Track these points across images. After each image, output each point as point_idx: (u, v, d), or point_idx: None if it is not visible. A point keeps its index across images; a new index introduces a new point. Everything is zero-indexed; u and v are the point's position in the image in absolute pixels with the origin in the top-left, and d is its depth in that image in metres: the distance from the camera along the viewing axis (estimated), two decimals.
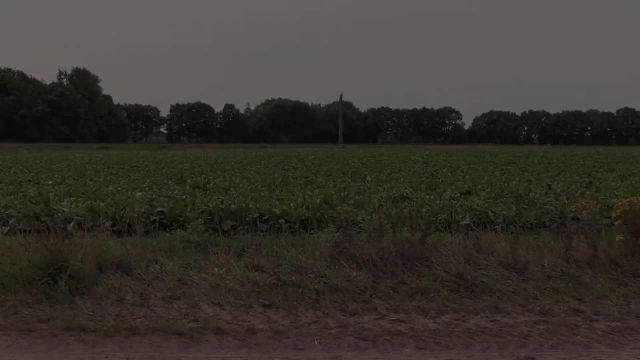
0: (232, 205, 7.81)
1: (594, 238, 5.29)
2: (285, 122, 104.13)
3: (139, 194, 9.51)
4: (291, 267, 5.08)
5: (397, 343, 3.72)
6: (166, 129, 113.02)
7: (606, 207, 6.94)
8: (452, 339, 3.79)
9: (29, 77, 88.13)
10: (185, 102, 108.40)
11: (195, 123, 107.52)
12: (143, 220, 6.53)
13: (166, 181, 14.64)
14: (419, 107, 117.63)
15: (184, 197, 9.59)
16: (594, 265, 5.10)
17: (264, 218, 7.49)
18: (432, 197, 9.81)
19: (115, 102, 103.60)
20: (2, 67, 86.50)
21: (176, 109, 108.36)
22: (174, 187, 12.68)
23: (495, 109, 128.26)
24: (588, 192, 10.69)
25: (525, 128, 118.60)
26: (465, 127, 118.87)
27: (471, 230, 6.25)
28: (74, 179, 15.75)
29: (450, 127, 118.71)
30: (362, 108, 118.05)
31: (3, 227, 6.96)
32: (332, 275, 4.85)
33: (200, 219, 6.99)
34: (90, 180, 15.23)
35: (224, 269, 5.03)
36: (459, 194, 10.97)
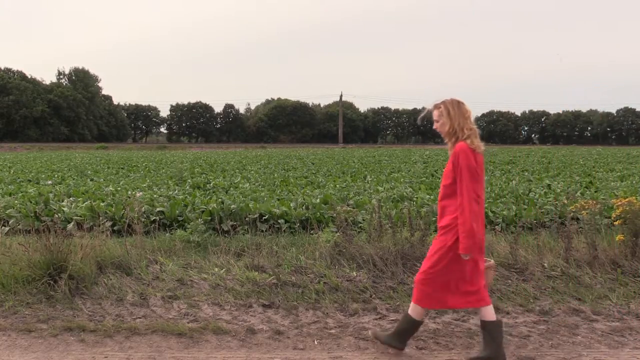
0: (232, 205, 7.80)
1: (594, 238, 5.29)
2: (285, 122, 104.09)
3: (139, 194, 9.51)
4: (291, 267, 5.08)
5: None
6: (166, 129, 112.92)
7: (606, 207, 6.94)
8: (452, 339, 3.79)
9: (29, 77, 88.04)
10: (185, 102, 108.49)
11: (195, 123, 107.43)
12: (143, 220, 6.53)
13: (166, 181, 14.64)
14: (419, 107, 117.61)
15: (184, 197, 9.59)
16: (594, 265, 5.10)
17: (264, 218, 7.48)
18: (432, 197, 9.81)
19: (115, 102, 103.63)
20: (2, 67, 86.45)
21: (176, 109, 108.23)
22: (174, 187, 12.68)
23: (495, 109, 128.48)
24: (588, 192, 10.69)
25: (525, 128, 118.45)
26: None
27: None
28: (74, 179, 15.74)
29: None
30: (362, 108, 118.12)
31: (3, 227, 6.97)
32: (332, 275, 4.85)
33: (200, 219, 6.98)
34: (91, 180, 15.23)
35: (224, 269, 5.03)
36: None
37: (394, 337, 3.56)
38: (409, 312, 3.52)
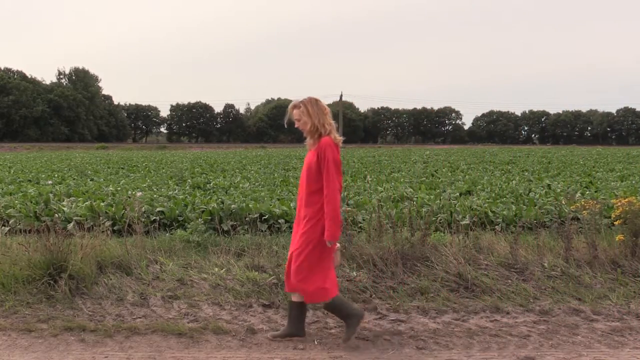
0: (232, 205, 7.80)
1: (594, 238, 5.30)
2: None
3: (139, 193, 9.51)
4: None
5: (397, 343, 3.72)
6: (166, 129, 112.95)
7: (606, 207, 6.95)
8: (452, 339, 3.79)
9: (29, 77, 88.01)
10: (185, 102, 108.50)
11: (195, 123, 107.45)
12: (143, 220, 6.53)
13: (166, 181, 14.64)
14: (419, 107, 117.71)
15: (184, 197, 9.59)
16: (594, 265, 5.10)
17: (264, 218, 7.48)
18: (432, 197, 9.81)
19: (115, 102, 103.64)
20: (2, 67, 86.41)
21: (176, 109, 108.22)
22: (174, 187, 12.68)
23: (495, 109, 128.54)
24: (588, 192, 10.68)
25: (525, 128, 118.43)
26: (465, 127, 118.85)
27: (471, 230, 6.25)
28: (74, 179, 15.74)
29: (450, 127, 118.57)
30: (362, 108, 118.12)
31: (3, 227, 6.96)
32: None
33: (200, 219, 6.98)
34: (91, 180, 15.23)
35: (224, 269, 5.03)
36: (458, 194, 10.97)
37: (349, 326, 3.68)
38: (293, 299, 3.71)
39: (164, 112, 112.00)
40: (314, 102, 3.60)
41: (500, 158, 31.38)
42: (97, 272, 4.84)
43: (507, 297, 4.56)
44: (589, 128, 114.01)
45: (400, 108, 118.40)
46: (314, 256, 3.52)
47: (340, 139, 3.63)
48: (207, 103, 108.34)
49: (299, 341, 3.74)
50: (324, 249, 3.54)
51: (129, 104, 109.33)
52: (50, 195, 9.85)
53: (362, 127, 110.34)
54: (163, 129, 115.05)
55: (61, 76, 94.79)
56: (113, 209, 7.77)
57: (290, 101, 3.76)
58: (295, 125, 3.68)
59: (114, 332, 3.87)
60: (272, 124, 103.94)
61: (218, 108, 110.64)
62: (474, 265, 5.07)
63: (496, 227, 7.03)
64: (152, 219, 7.30)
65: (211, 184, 13.36)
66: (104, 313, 4.23)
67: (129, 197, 8.39)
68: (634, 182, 13.68)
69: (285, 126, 3.95)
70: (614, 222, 5.55)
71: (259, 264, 5.13)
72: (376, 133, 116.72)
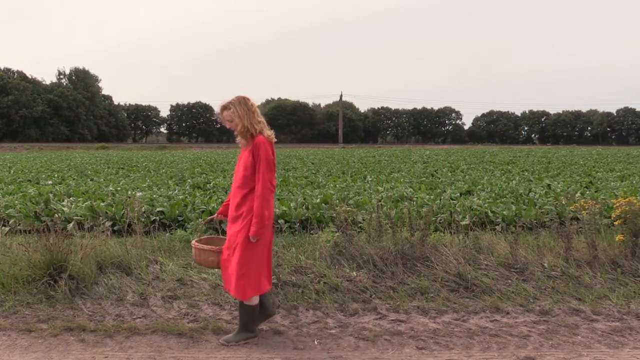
0: None
1: (594, 238, 5.30)
2: (285, 122, 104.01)
3: (139, 194, 9.51)
4: (291, 267, 5.08)
5: (397, 343, 3.72)
6: (166, 129, 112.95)
7: (606, 207, 6.94)
8: (452, 339, 3.79)
9: (29, 77, 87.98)
10: (185, 102, 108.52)
11: (195, 123, 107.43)
12: (143, 220, 6.53)
13: (166, 181, 14.64)
14: (419, 107, 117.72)
15: (184, 197, 9.59)
16: (594, 265, 5.10)
17: None
18: (432, 197, 9.81)
19: (115, 102, 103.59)
20: (2, 67, 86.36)
21: (176, 109, 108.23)
22: (174, 187, 12.68)
23: (495, 109, 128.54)
24: (588, 192, 10.68)
25: (525, 128, 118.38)
26: (465, 127, 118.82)
27: (471, 230, 6.25)
28: (74, 179, 15.74)
29: (450, 127, 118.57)
30: (362, 108, 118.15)
31: (3, 227, 6.96)
32: (332, 275, 4.85)
33: (200, 219, 6.98)
34: (90, 180, 15.23)
35: None
36: (459, 194, 10.97)
37: (242, 332, 3.72)
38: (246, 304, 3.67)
39: (164, 112, 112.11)
40: (242, 102, 3.57)
41: (500, 158, 31.38)
42: (97, 272, 4.84)
43: (507, 297, 4.56)
44: (589, 128, 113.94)
45: (400, 108, 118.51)
46: (251, 250, 3.54)
47: (272, 134, 3.65)
48: (207, 103, 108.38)
49: (299, 341, 3.74)
50: (258, 244, 3.56)
51: (129, 104, 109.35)
52: (50, 195, 9.86)
53: (362, 127, 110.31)
54: (163, 129, 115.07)
55: (61, 76, 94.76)
56: (113, 209, 7.77)
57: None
58: (228, 126, 3.66)
59: (114, 332, 3.87)
60: (272, 124, 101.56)
61: (218, 108, 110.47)
62: (474, 265, 5.07)
63: (496, 227, 7.03)
64: (152, 219, 7.31)
65: (211, 184, 13.36)
66: (104, 313, 4.23)
67: (129, 197, 8.38)
68: (634, 182, 13.68)
69: (218, 126, 3.91)
70: (614, 222, 5.55)
71: None
72: (376, 133, 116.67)
